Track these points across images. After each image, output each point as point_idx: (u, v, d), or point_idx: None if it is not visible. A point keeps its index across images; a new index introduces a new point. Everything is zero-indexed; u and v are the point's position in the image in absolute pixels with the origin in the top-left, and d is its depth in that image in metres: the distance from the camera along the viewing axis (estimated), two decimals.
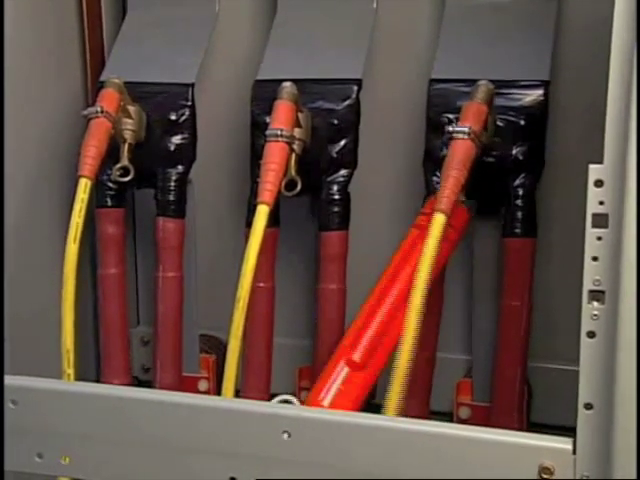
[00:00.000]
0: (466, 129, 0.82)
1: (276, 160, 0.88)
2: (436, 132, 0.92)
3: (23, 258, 0.99)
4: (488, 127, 0.87)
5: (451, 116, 0.91)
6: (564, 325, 1.00)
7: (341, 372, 0.83)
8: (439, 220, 0.79)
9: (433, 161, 0.92)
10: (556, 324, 1.02)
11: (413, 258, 0.82)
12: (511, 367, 0.95)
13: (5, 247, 0.91)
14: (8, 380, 0.70)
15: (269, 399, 1.03)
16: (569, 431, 0.97)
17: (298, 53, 0.99)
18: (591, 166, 0.60)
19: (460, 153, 0.81)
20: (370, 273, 1.04)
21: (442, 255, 0.82)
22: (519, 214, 0.92)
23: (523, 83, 0.91)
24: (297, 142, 0.92)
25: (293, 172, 0.92)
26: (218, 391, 1.05)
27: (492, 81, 0.89)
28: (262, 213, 0.86)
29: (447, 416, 1.03)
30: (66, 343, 0.88)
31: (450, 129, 0.83)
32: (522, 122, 0.90)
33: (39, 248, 1.02)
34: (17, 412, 0.69)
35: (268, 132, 0.89)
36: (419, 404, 0.97)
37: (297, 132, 0.92)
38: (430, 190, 0.93)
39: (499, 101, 0.90)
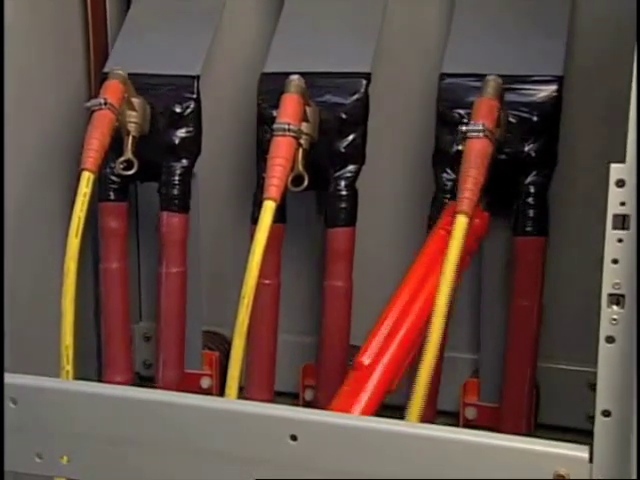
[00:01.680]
0: (480, 127, 0.80)
1: (283, 155, 0.87)
2: (446, 127, 0.91)
3: (24, 252, 0.98)
4: (500, 123, 0.85)
5: (462, 111, 0.90)
6: (573, 325, 1.00)
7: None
8: (461, 222, 0.77)
9: (443, 157, 0.91)
10: (564, 324, 1.00)
11: (437, 265, 0.79)
12: (520, 368, 0.93)
13: (6, 240, 0.89)
14: (8, 379, 0.69)
15: (273, 397, 1.03)
16: (575, 432, 0.98)
17: (306, 45, 0.98)
18: (613, 165, 0.58)
19: (476, 152, 0.80)
20: (377, 270, 1.05)
21: (463, 264, 0.80)
22: (530, 212, 0.90)
23: (536, 78, 0.89)
24: (304, 137, 0.91)
25: (300, 167, 0.91)
26: (221, 388, 1.05)
27: (504, 76, 0.88)
28: (268, 209, 0.84)
29: (453, 416, 1.02)
30: (65, 339, 0.87)
31: (464, 129, 0.81)
32: (535, 118, 0.88)
33: (40, 242, 1.01)
34: (17, 411, 0.68)
35: (275, 126, 0.87)
36: (426, 404, 0.95)
37: (304, 126, 0.91)
38: (439, 187, 0.92)
39: (511, 97, 0.88)
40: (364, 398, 0.78)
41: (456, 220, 0.77)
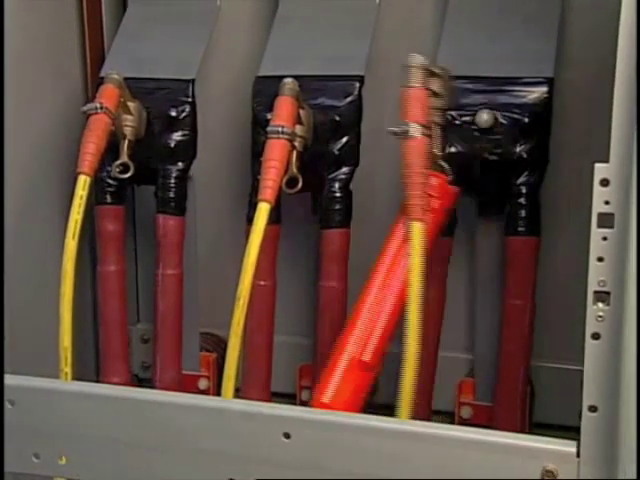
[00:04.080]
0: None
1: (277, 157, 0.87)
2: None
3: (21, 255, 0.98)
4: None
5: (454, 113, 0.90)
6: (564, 324, 0.99)
7: (350, 372, 0.80)
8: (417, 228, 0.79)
9: None
10: (557, 323, 1.01)
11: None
12: (514, 367, 0.94)
13: (3, 243, 0.90)
14: (6, 380, 0.69)
15: (269, 397, 1.03)
16: (569, 430, 0.98)
17: (300, 49, 0.98)
18: (597, 165, 0.59)
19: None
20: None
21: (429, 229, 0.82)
22: (522, 213, 0.91)
23: (527, 80, 0.89)
24: (298, 139, 0.91)
25: (294, 169, 0.91)
26: (218, 390, 1.04)
27: (495, 78, 0.89)
28: (263, 211, 0.85)
29: (448, 415, 1.03)
30: (64, 341, 0.87)
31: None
32: (526, 120, 0.89)
33: (38, 245, 1.01)
34: (14, 412, 0.68)
35: (269, 129, 0.88)
36: (421, 403, 0.96)
37: (298, 129, 0.91)
38: None
39: (502, 98, 0.89)
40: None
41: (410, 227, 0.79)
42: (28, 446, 0.69)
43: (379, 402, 1.04)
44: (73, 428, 0.69)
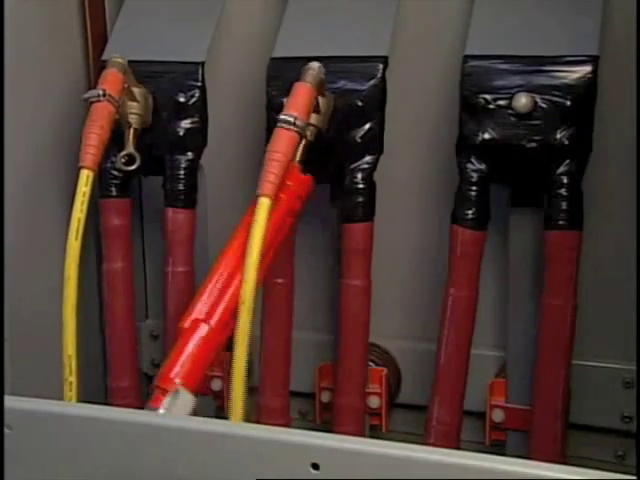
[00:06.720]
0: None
1: (282, 150, 0.81)
2: (471, 113, 0.86)
3: (21, 256, 0.95)
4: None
5: (488, 96, 0.85)
6: (606, 321, 0.95)
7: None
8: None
9: (468, 146, 0.87)
10: (598, 320, 0.96)
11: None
12: (554, 370, 0.88)
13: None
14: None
15: (288, 399, 1.00)
16: (608, 433, 0.93)
17: (318, 28, 0.94)
18: None
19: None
20: (396, 268, 1.02)
21: (278, 216, 0.83)
22: (564, 204, 0.85)
23: (569, 59, 0.84)
24: (311, 128, 0.87)
25: (297, 159, 0.86)
26: None
27: (534, 57, 0.84)
28: (263, 206, 0.79)
29: (479, 417, 0.98)
30: (68, 349, 0.82)
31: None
32: (568, 103, 0.83)
33: (38, 245, 0.98)
34: (12, 438, 0.63)
35: (280, 116, 0.82)
36: (452, 404, 0.92)
37: (313, 118, 0.87)
38: (464, 178, 0.88)
39: (541, 79, 0.84)
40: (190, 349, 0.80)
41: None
42: (27, 476, 0.64)
43: (401, 402, 1.04)
44: (78, 456, 0.63)
